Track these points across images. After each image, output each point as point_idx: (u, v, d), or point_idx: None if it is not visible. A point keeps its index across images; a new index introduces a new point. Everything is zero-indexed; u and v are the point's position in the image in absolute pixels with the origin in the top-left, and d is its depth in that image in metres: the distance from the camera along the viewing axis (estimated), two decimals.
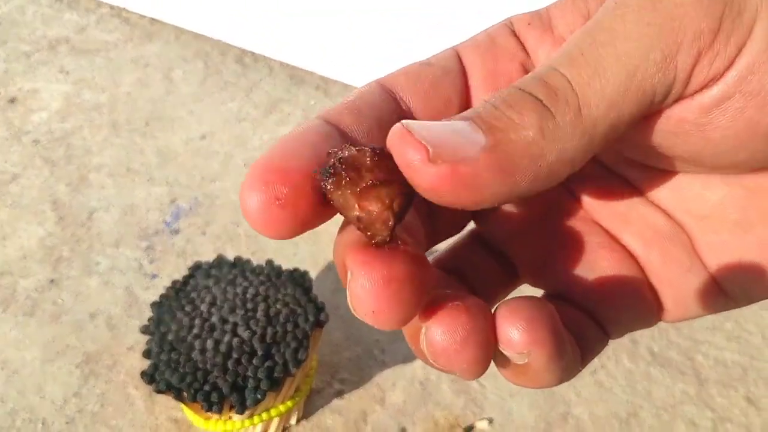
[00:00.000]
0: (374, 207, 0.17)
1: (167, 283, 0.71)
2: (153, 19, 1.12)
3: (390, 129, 0.18)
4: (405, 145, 0.17)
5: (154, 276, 0.78)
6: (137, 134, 0.95)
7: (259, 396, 0.55)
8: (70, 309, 0.74)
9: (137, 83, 1.03)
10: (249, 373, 0.56)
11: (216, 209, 0.85)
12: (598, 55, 0.18)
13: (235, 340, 0.57)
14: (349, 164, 0.17)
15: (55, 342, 0.71)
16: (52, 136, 0.94)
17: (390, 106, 0.21)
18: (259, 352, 0.57)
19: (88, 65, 1.05)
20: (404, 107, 0.21)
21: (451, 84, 0.22)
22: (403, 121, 0.17)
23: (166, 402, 0.66)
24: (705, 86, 0.18)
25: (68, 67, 1.04)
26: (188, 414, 0.61)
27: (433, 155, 0.16)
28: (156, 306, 0.62)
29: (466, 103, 0.22)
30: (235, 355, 0.57)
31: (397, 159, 0.17)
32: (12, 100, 0.99)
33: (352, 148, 0.18)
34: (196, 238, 0.82)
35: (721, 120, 0.18)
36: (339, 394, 0.68)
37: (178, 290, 0.62)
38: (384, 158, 0.18)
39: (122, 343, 0.71)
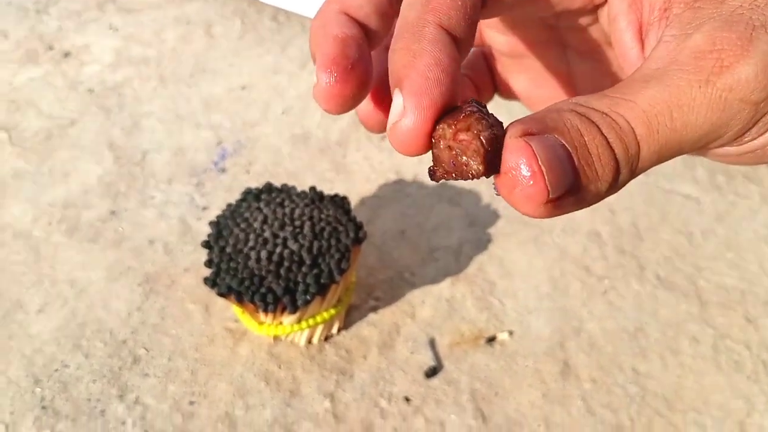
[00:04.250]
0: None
1: (215, 217, 0.78)
2: None
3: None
4: (534, 185, 0.21)
5: (204, 208, 0.85)
6: (183, 85, 1.02)
7: (308, 297, 0.63)
8: (129, 236, 0.82)
9: (180, 39, 1.10)
10: (299, 279, 0.64)
11: (258, 151, 0.93)
12: (668, 138, 0.23)
13: (286, 251, 0.65)
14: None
15: (118, 264, 0.79)
16: (105, 86, 1.01)
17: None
18: (307, 262, 0.65)
19: (134, 23, 1.12)
20: None
21: None
22: (530, 143, 0.21)
23: (220, 314, 0.74)
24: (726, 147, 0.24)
25: (116, 24, 1.12)
26: (243, 319, 0.69)
27: (549, 198, 0.21)
28: (214, 224, 0.69)
29: None
30: (286, 264, 0.64)
31: (517, 186, 0.21)
32: (66, 54, 1.07)
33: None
34: (240, 176, 0.89)
35: (732, 154, 0.25)
36: (374, 309, 0.76)
37: (233, 211, 0.70)
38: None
39: (179, 265, 0.79)
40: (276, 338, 0.72)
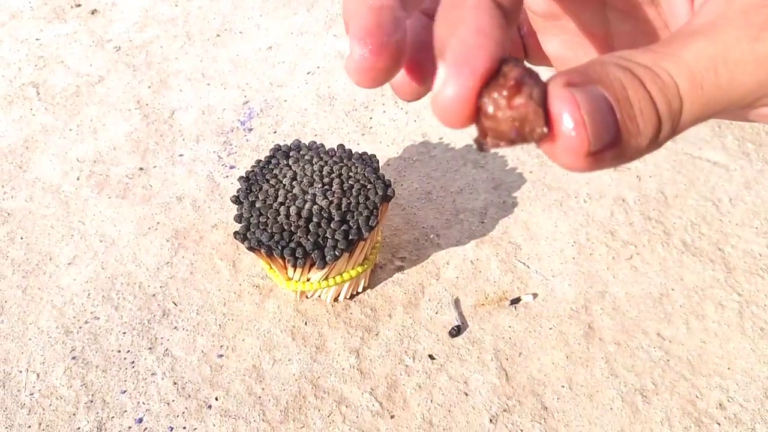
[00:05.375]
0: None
1: (244, 173, 0.79)
2: None
3: None
4: (576, 137, 0.21)
5: (231, 167, 0.86)
6: (210, 44, 1.02)
7: (336, 253, 0.64)
8: (158, 192, 0.83)
9: None
10: (328, 235, 0.64)
11: (284, 111, 0.93)
12: (712, 94, 0.22)
13: (315, 207, 0.65)
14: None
15: (147, 220, 0.80)
16: (132, 44, 1.02)
17: None
18: (336, 218, 0.65)
19: None
20: None
21: None
22: (574, 94, 0.21)
23: (248, 270, 0.75)
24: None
25: None
26: (272, 274, 0.70)
27: (590, 151, 0.21)
28: (244, 180, 0.70)
29: None
30: (315, 220, 0.65)
31: (559, 138, 0.21)
32: (93, 12, 1.07)
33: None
34: (267, 136, 0.90)
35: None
36: (400, 269, 0.77)
37: (262, 167, 0.70)
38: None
39: (207, 222, 0.80)
40: (303, 295, 0.72)
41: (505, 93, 0.21)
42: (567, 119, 0.21)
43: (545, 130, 0.21)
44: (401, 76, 0.30)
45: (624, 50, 0.24)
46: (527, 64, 0.23)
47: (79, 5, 1.08)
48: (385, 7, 0.26)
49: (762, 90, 0.22)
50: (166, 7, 1.08)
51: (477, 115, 0.22)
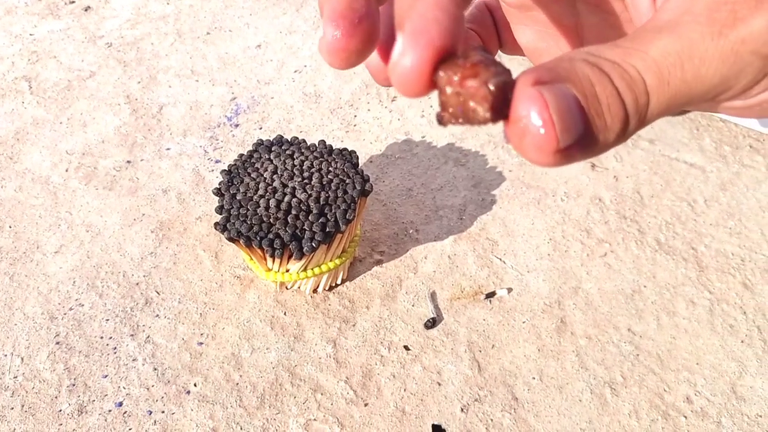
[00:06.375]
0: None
1: (227, 167, 0.81)
2: None
3: None
4: (545, 134, 0.21)
5: (217, 161, 0.88)
6: (200, 42, 1.04)
7: (314, 245, 0.65)
8: (144, 185, 0.85)
9: None
10: (306, 227, 0.66)
11: (270, 108, 0.95)
12: (678, 89, 0.23)
13: (294, 200, 0.67)
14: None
15: (132, 211, 0.82)
16: (124, 41, 1.04)
17: None
18: (314, 211, 0.67)
19: None
20: None
21: None
22: (542, 93, 0.22)
23: (230, 262, 0.77)
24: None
25: None
26: (252, 265, 0.72)
27: (559, 148, 0.21)
28: (226, 173, 0.71)
29: None
30: (294, 212, 0.67)
31: (527, 135, 0.21)
32: (86, 9, 1.09)
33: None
34: (253, 132, 0.92)
35: (739, 107, 0.25)
36: (378, 263, 0.78)
37: (245, 161, 0.72)
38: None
39: (191, 214, 0.82)
40: (282, 286, 0.74)
41: (461, 72, 0.22)
42: (535, 117, 0.22)
43: (488, 115, 0.22)
44: (378, 62, 0.31)
45: (592, 45, 0.25)
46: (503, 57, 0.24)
47: (73, 2, 1.10)
48: None
49: (725, 84, 0.23)
50: (158, 5, 1.10)
51: (438, 89, 0.23)
